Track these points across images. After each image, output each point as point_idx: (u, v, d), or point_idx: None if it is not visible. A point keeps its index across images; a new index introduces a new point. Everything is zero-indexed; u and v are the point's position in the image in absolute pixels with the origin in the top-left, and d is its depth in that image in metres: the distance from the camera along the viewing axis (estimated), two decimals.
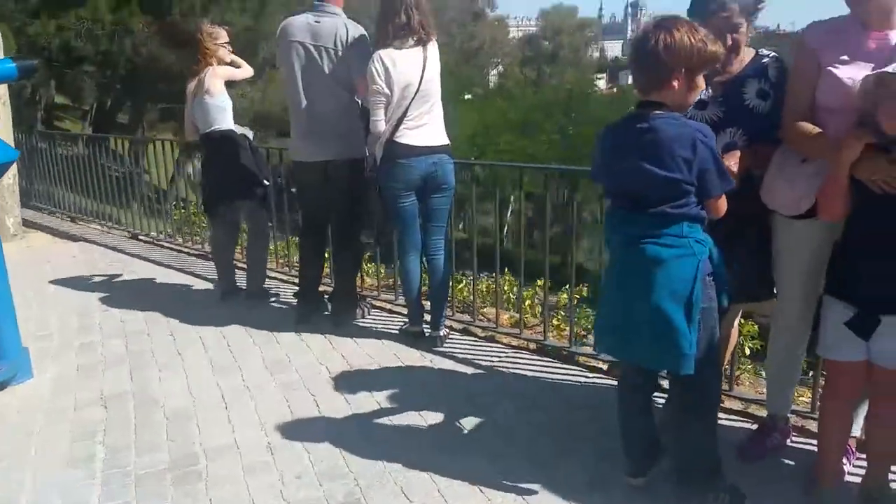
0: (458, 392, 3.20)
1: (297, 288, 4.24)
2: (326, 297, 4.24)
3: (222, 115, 4.17)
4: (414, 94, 3.38)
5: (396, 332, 3.88)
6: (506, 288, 4.45)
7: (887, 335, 2.05)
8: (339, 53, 3.62)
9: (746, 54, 2.41)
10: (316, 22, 3.67)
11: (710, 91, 2.40)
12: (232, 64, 4.30)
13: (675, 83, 2.06)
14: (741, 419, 2.85)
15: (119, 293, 4.77)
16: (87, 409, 3.16)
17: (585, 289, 4.23)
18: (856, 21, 2.18)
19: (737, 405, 2.92)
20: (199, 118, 4.21)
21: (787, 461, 2.56)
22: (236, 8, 15.18)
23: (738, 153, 2.31)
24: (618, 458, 2.47)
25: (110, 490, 2.56)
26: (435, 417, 2.97)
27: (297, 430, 2.92)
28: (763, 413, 2.74)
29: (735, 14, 2.31)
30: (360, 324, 4.05)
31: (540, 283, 4.12)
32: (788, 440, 2.64)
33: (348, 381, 3.33)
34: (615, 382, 2.64)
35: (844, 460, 2.40)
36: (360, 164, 3.78)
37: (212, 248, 4.77)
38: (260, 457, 2.73)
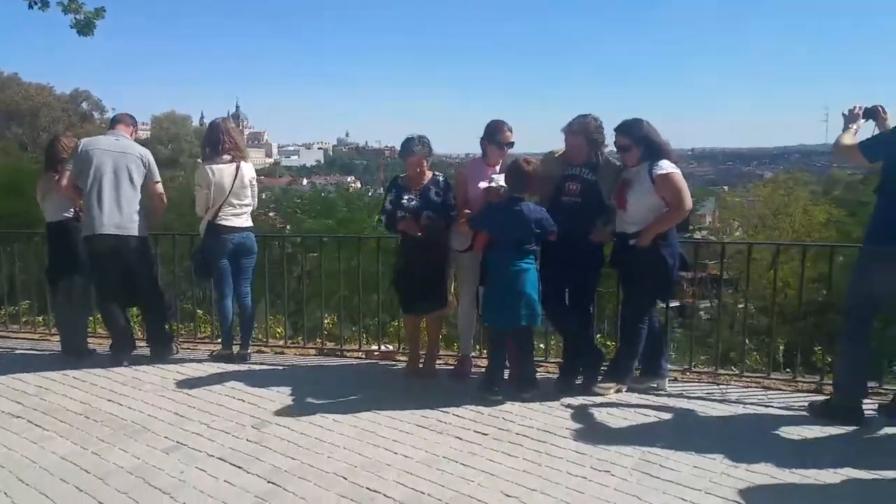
0: (294, 379, 4.98)
1: (112, 340, 5.55)
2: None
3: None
4: (227, 193, 5.23)
5: (208, 356, 5.52)
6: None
7: None
8: (139, 163, 5.28)
9: (428, 174, 4.92)
10: (117, 140, 5.32)
11: (412, 193, 4.84)
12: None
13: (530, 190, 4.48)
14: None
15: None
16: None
17: None
18: (482, 161, 4.88)
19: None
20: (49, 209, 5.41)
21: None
22: None
23: (419, 221, 4.75)
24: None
25: None
26: (304, 391, 4.71)
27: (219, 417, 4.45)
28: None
29: (423, 156, 4.82)
30: (177, 357, 5.55)
31: None
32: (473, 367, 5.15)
33: (204, 386, 4.83)
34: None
35: None
36: (146, 240, 5.42)
37: (58, 317, 5.73)
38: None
